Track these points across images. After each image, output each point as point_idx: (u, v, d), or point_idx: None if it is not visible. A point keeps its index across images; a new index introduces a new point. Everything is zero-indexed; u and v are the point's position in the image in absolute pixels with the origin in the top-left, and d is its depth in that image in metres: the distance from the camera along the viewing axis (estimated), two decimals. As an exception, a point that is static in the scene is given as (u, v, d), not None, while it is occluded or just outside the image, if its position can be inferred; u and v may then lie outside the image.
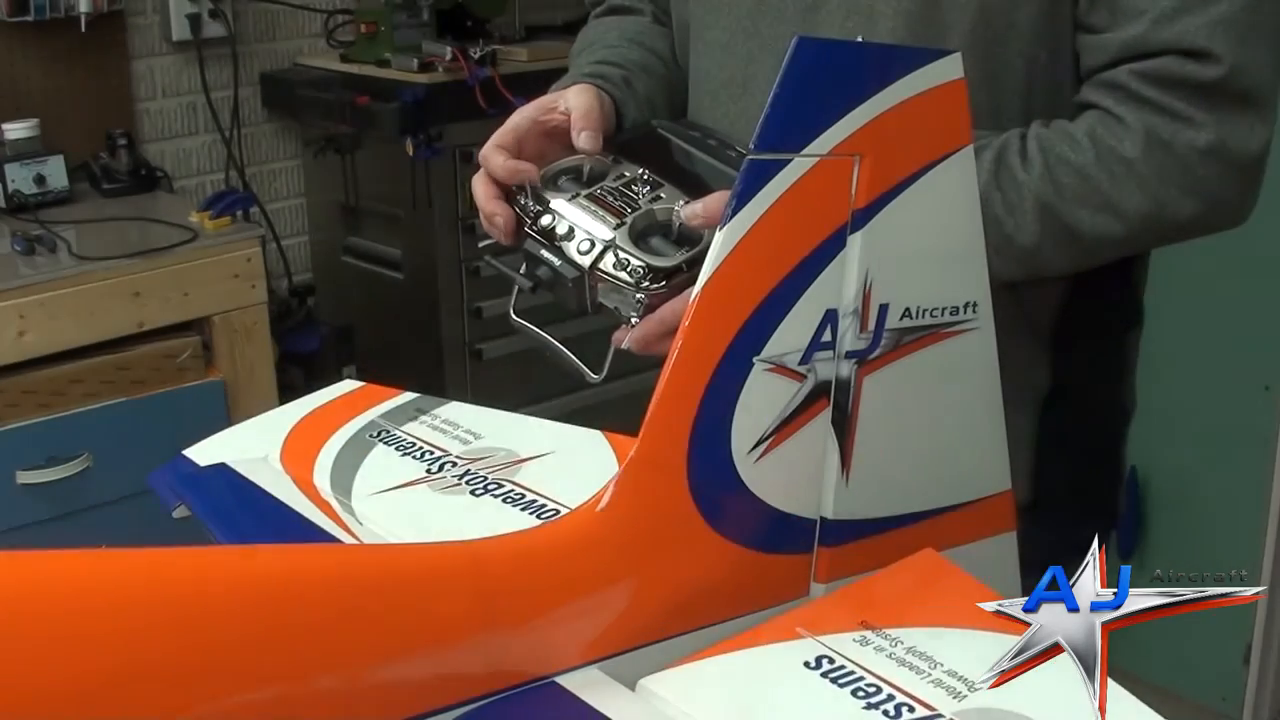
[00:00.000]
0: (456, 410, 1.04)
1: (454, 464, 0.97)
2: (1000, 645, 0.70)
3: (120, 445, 2.25)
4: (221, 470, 1.05)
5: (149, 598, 0.69)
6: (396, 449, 1.01)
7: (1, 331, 2.16)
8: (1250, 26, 1.03)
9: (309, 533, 0.94)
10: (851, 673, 0.75)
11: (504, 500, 0.93)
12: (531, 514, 0.91)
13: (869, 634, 0.77)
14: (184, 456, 1.08)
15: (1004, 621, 0.71)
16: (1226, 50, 1.02)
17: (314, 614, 0.73)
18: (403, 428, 1.03)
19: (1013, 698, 0.69)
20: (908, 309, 0.88)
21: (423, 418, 1.04)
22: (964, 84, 0.87)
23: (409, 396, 1.08)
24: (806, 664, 0.76)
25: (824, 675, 0.75)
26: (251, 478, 1.03)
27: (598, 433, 1.01)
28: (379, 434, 1.04)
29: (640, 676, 0.81)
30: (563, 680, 0.80)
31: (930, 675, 0.73)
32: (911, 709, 0.71)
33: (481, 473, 0.95)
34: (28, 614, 0.65)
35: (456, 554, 0.80)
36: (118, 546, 0.70)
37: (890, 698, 0.72)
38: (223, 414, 2.34)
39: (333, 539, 0.93)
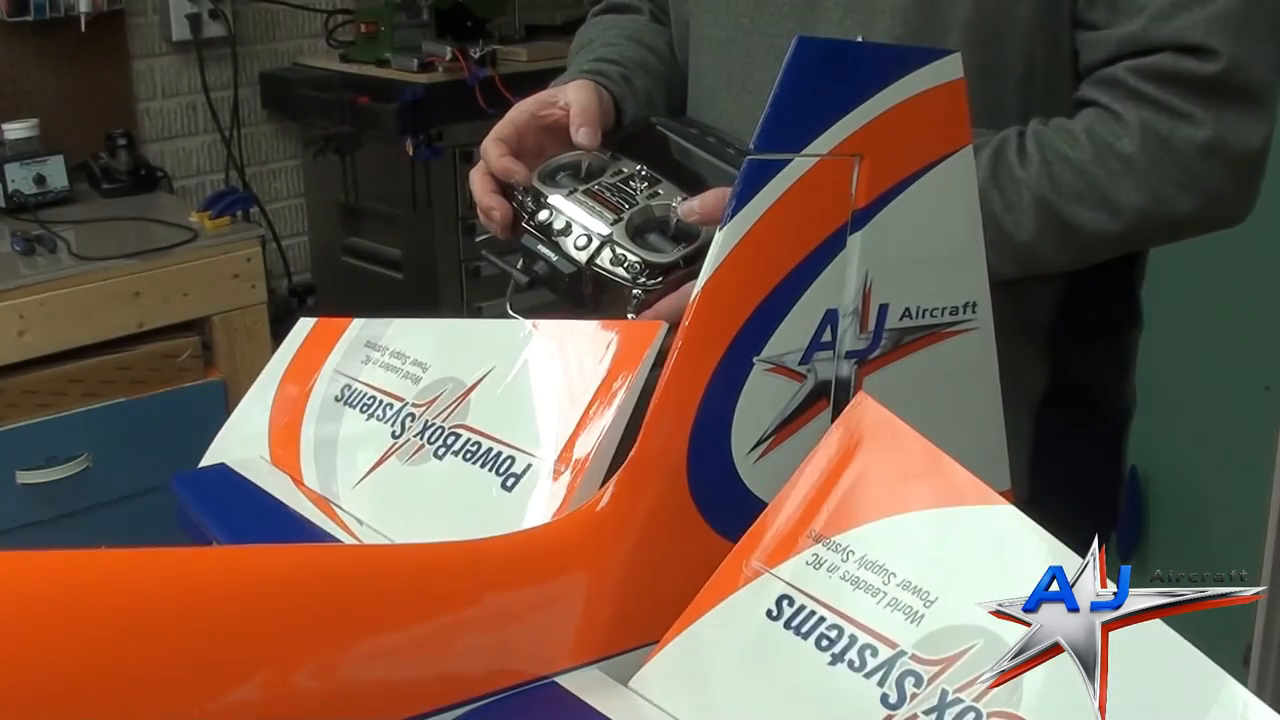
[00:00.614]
0: (400, 336, 1.05)
1: (412, 416, 0.98)
2: (947, 524, 0.72)
3: (120, 445, 2.25)
4: (221, 470, 1.06)
5: (149, 598, 0.69)
6: (360, 409, 1.02)
7: (1, 331, 2.16)
8: (1248, 22, 1.03)
9: (309, 533, 0.94)
10: (811, 614, 0.74)
11: (464, 458, 0.93)
12: (491, 470, 0.91)
13: (820, 549, 0.76)
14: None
15: (949, 492, 0.73)
16: (1224, 46, 1.02)
17: (314, 614, 0.73)
18: (360, 377, 1.04)
19: (968, 611, 0.69)
20: (908, 309, 0.88)
21: (373, 355, 1.04)
22: (964, 84, 0.87)
23: (357, 329, 1.08)
24: (769, 613, 0.76)
25: (786, 625, 0.75)
26: (251, 478, 1.03)
27: (525, 323, 0.99)
28: (343, 393, 1.05)
29: (640, 676, 0.81)
30: (563, 680, 0.80)
31: (885, 595, 0.73)
32: (874, 650, 0.71)
33: (437, 423, 0.96)
34: (27, 614, 0.65)
35: (456, 554, 0.80)
36: (118, 546, 0.70)
37: (852, 640, 0.72)
38: (223, 414, 2.31)
39: (333, 539, 0.93)
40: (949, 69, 0.86)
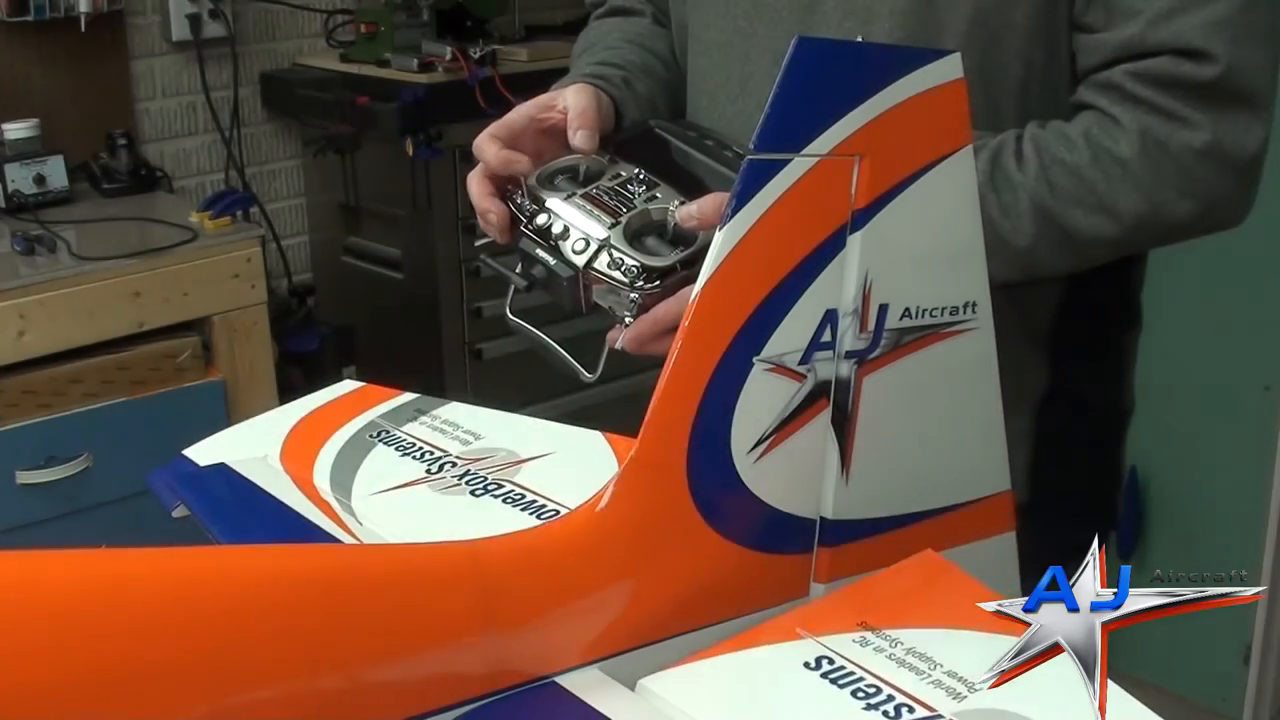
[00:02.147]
0: (456, 411, 1.05)
1: (454, 464, 0.97)
2: (999, 646, 0.70)
3: (120, 445, 2.25)
4: (221, 470, 1.06)
5: (149, 598, 0.69)
6: (396, 449, 1.01)
7: (1, 331, 2.16)
8: (1246, 26, 1.03)
9: (309, 533, 0.94)
10: (851, 673, 0.75)
11: (504, 500, 0.93)
12: (531, 514, 0.91)
13: (868, 634, 0.77)
14: (184, 456, 1.08)
15: (1003, 622, 0.71)
16: (1222, 50, 1.02)
17: (314, 614, 0.73)
18: (403, 428, 1.04)
19: (1013, 698, 0.69)
20: (907, 309, 0.88)
21: (422, 418, 1.04)
22: (963, 84, 0.87)
23: (409, 397, 1.08)
24: (806, 664, 0.76)
25: (824, 676, 0.75)
26: (251, 478, 1.03)
27: (597, 433, 1.01)
28: (379, 434, 1.04)
29: (640, 676, 0.81)
30: (563, 680, 0.80)
31: (930, 676, 0.73)
32: (911, 709, 0.71)
33: (481, 473, 0.96)
34: (27, 614, 0.65)
35: (456, 554, 0.80)
36: (118, 546, 0.70)
37: (890, 698, 0.72)
38: (223, 414, 2.34)
39: (333, 539, 0.93)
40: (949, 69, 0.86)
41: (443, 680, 0.76)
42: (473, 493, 0.94)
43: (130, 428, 2.27)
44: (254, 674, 0.70)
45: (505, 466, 0.96)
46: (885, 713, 0.71)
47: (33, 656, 0.64)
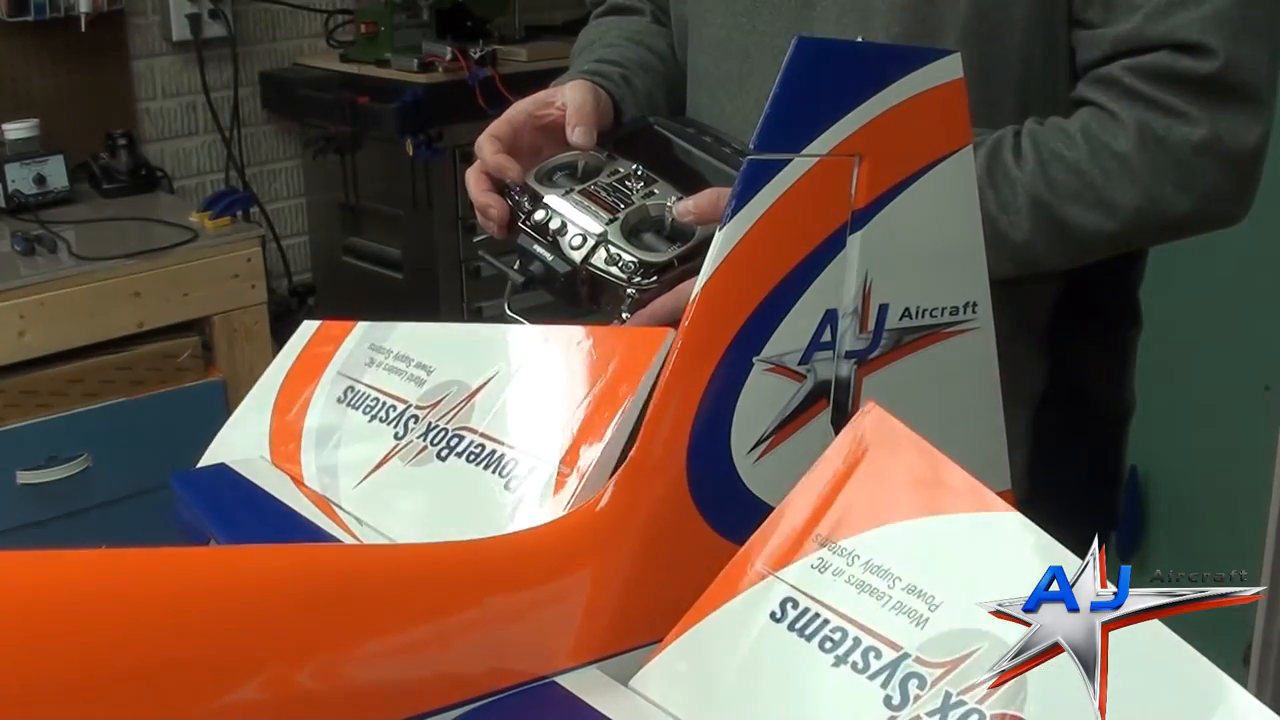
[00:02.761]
0: (405, 339, 1.05)
1: (415, 418, 0.98)
2: (949, 528, 0.73)
3: (120, 445, 2.26)
4: (221, 470, 1.06)
5: (149, 598, 0.69)
6: (364, 411, 1.02)
7: (1, 331, 2.16)
8: (1244, 21, 1.03)
9: (309, 533, 0.94)
10: (815, 616, 0.75)
11: (467, 460, 0.93)
12: (495, 472, 0.91)
13: (825, 553, 0.76)
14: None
15: (953, 499, 0.73)
16: (1220, 45, 1.02)
17: (314, 614, 0.73)
18: (363, 379, 1.05)
19: (973, 616, 0.69)
20: (907, 309, 0.88)
21: (377, 357, 1.05)
22: (963, 84, 0.87)
23: (361, 332, 1.09)
24: (772, 615, 0.76)
25: (790, 627, 0.75)
26: (251, 477, 1.03)
27: (529, 328, 1.00)
28: (345, 395, 1.05)
29: (640, 676, 0.81)
30: (563, 680, 0.80)
31: (890, 599, 0.73)
32: (878, 652, 0.71)
33: (440, 424, 0.97)
34: (27, 614, 0.65)
35: (456, 554, 0.80)
36: (118, 546, 0.70)
37: (856, 643, 0.72)
38: (223, 414, 2.31)
39: (333, 539, 0.93)
40: (949, 69, 0.86)
41: (442, 680, 0.76)
42: (439, 455, 0.95)
43: (130, 428, 2.27)
44: (254, 674, 0.70)
45: (459, 407, 0.96)
46: (854, 665, 0.72)
47: (32, 657, 0.64)
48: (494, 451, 0.92)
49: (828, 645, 0.73)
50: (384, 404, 1.01)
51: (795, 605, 0.76)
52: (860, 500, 0.77)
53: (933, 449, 0.76)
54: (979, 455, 0.93)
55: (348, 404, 1.04)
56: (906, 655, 0.71)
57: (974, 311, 0.91)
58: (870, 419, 0.79)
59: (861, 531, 0.76)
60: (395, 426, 0.99)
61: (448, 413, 0.97)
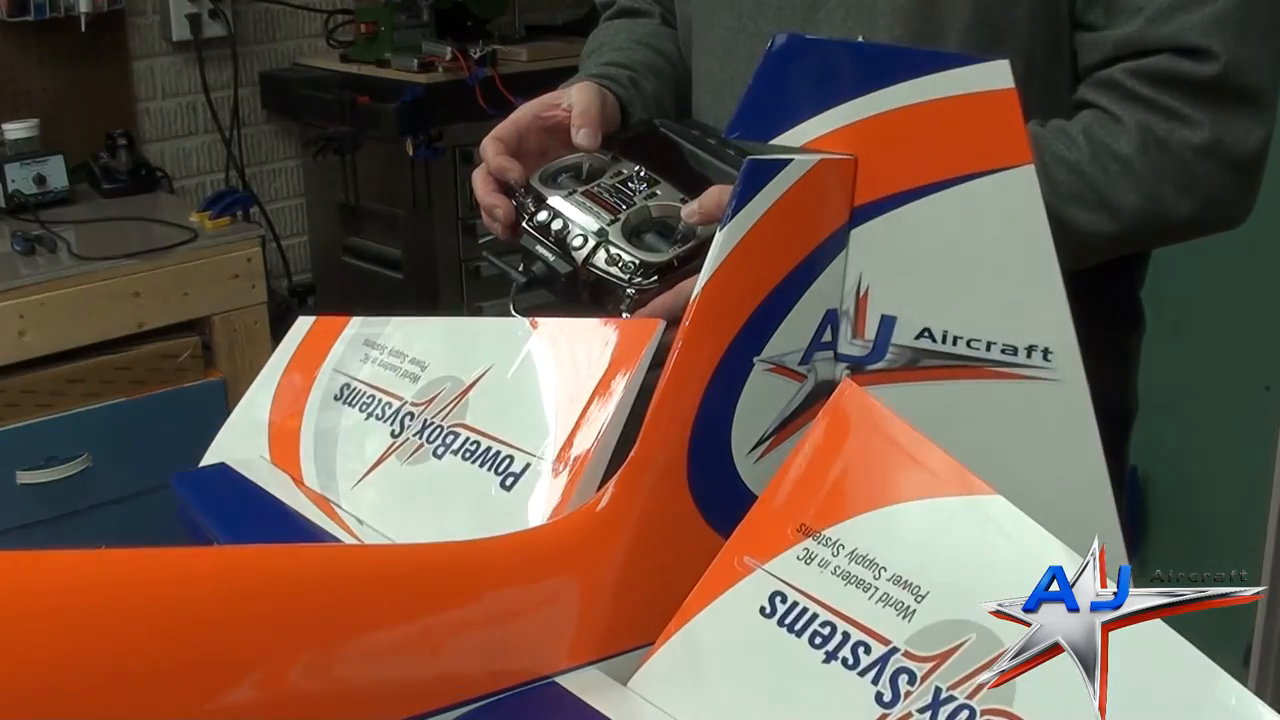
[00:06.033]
0: (399, 334, 1.05)
1: (411, 415, 0.98)
2: (933, 512, 0.72)
3: (120, 445, 2.25)
4: (221, 470, 1.06)
5: (148, 598, 0.69)
6: (360, 409, 1.02)
7: (1, 331, 2.16)
8: (1247, 24, 1.03)
9: (310, 533, 0.94)
10: (804, 611, 0.74)
11: (463, 458, 0.93)
12: (490, 469, 0.91)
13: (810, 543, 0.76)
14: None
15: (936, 482, 0.73)
16: (1222, 48, 1.02)
17: (314, 614, 0.73)
18: (359, 376, 1.05)
19: (960, 606, 0.69)
20: (928, 329, 0.84)
21: (372, 353, 1.05)
22: (1014, 94, 0.79)
23: (355, 327, 1.09)
24: (762, 610, 0.76)
25: (780, 623, 0.75)
26: (252, 478, 1.03)
27: (520, 320, 0.99)
28: (342, 392, 1.05)
29: (640, 676, 0.81)
30: (563, 680, 0.80)
31: (877, 590, 0.73)
32: (867, 647, 0.71)
33: (436, 421, 0.97)
34: (27, 614, 0.65)
35: (456, 554, 0.80)
36: (118, 546, 0.70)
37: (845, 638, 0.72)
38: (223, 414, 2.30)
39: (333, 539, 0.93)
40: (994, 76, 0.79)
41: (442, 680, 0.76)
42: (435, 453, 0.95)
43: (130, 428, 2.27)
44: (254, 674, 0.70)
45: (454, 403, 0.96)
46: (844, 660, 0.72)
47: (32, 657, 0.64)
48: (489, 449, 0.92)
49: (817, 640, 0.73)
50: (380, 401, 1.01)
51: (784, 600, 0.75)
52: (842, 486, 0.77)
53: (913, 430, 0.75)
54: (1076, 520, 0.77)
55: (344, 402, 1.04)
56: (895, 650, 0.71)
57: (1047, 359, 0.81)
58: (847, 398, 0.79)
59: (845, 519, 0.75)
60: (391, 424, 0.99)
61: (443, 409, 0.97)
